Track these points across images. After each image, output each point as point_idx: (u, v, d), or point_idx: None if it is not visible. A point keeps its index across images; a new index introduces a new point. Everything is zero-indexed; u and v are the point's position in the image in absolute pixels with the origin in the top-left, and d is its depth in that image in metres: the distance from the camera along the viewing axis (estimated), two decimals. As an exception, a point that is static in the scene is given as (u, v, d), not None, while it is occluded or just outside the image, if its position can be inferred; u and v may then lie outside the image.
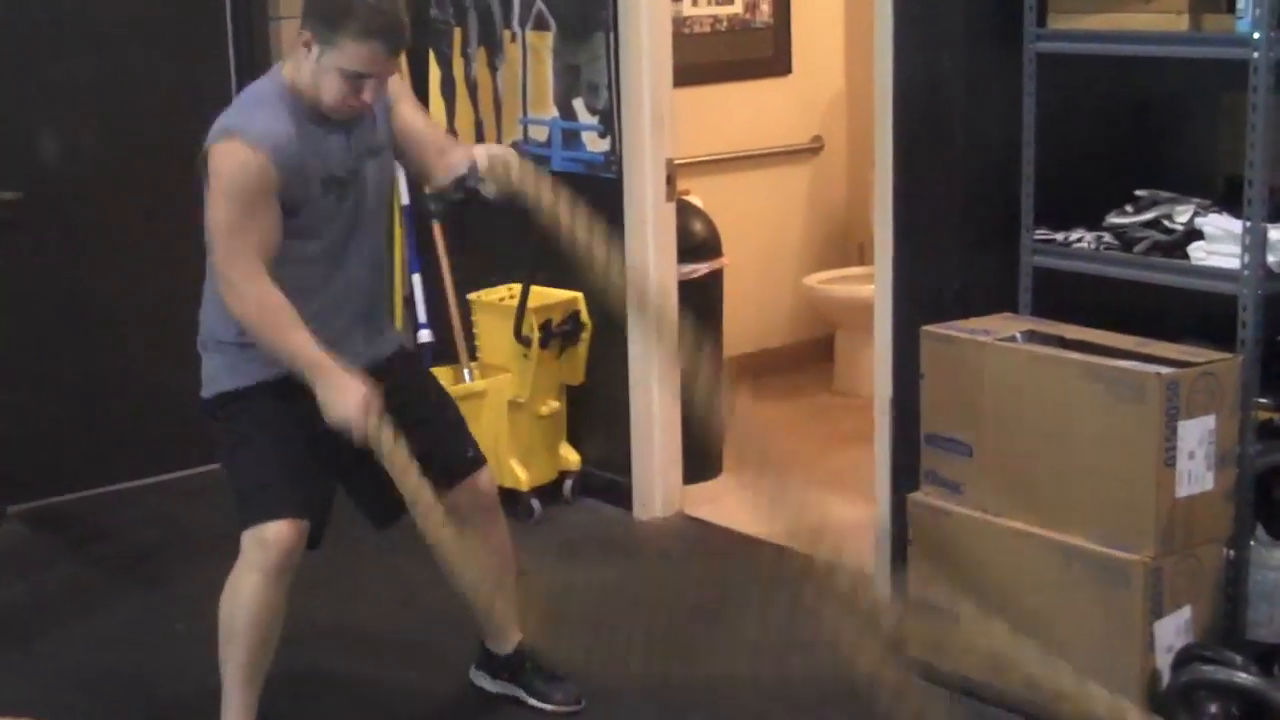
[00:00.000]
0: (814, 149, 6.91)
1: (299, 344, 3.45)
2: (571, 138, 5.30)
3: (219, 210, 3.45)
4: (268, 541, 3.53)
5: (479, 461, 3.86)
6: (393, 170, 3.88)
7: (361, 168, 3.62)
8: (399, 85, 3.78)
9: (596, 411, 5.46)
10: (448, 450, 3.79)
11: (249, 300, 3.46)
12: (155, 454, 5.68)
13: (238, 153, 3.42)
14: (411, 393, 3.75)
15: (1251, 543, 3.85)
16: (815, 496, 2.86)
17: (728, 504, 5.43)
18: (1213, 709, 3.59)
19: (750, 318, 6.53)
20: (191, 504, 5.47)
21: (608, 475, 5.43)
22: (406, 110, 3.75)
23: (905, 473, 4.34)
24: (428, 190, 3.80)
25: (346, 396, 3.43)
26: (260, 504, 3.56)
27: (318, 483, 3.65)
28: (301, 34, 3.49)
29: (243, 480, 3.63)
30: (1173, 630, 3.73)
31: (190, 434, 5.34)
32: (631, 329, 5.14)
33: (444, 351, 5.57)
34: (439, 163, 3.70)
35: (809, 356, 6.83)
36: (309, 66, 3.48)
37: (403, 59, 5.66)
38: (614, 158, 5.17)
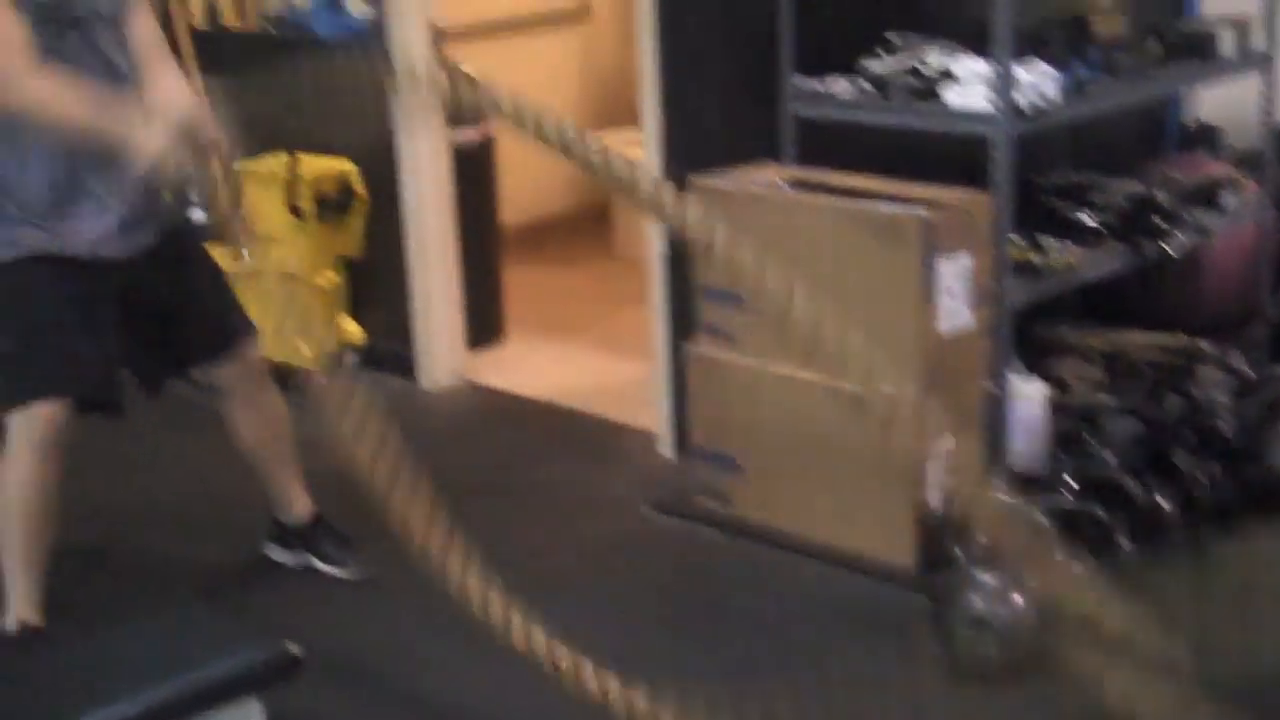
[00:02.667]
0: (581, 11, 6.89)
1: (88, 115, 3.35)
2: (336, 4, 5.22)
3: None
4: (32, 418, 3.49)
5: (248, 330, 3.83)
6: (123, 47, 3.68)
7: (79, 17, 3.50)
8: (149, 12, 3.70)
9: (377, 283, 5.44)
10: (211, 324, 3.76)
11: (29, 88, 3.34)
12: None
13: None
14: (172, 270, 3.68)
15: (1009, 376, 4.00)
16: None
17: (513, 370, 5.48)
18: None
19: (526, 186, 6.53)
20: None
21: (391, 347, 5.43)
22: (141, 21, 3.63)
23: (683, 327, 4.41)
24: None
25: (152, 137, 3.31)
26: (26, 380, 3.51)
27: (82, 356, 3.57)
28: None
29: (5, 356, 3.57)
30: (939, 464, 3.86)
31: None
32: (407, 187, 5.12)
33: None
34: (159, 95, 3.56)
35: (588, 222, 6.87)
36: None
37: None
38: (379, 24, 5.11)
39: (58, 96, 3.35)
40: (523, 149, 6.44)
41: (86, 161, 3.50)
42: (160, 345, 3.74)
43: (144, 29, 3.65)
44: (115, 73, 3.56)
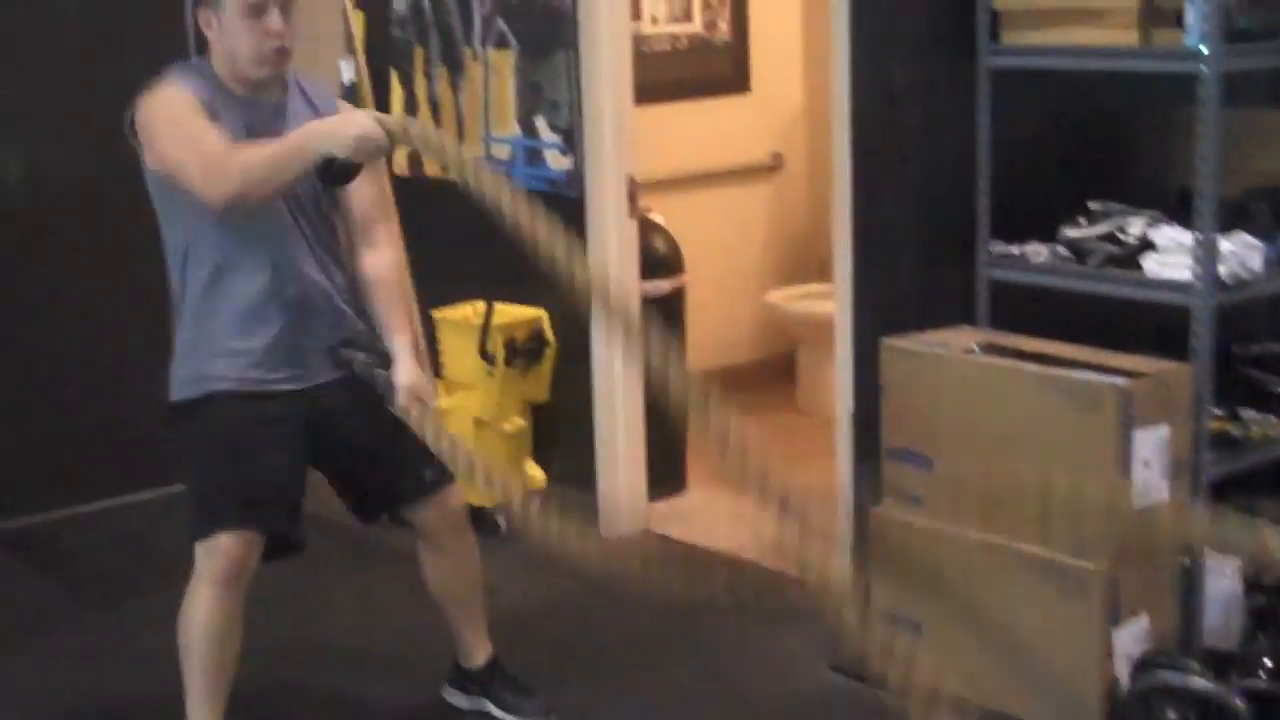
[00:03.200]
0: (774, 166, 6.95)
1: (286, 144, 3.42)
2: (534, 156, 5.34)
3: (162, 137, 3.47)
4: (216, 552, 3.55)
5: (445, 480, 3.86)
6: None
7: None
8: (342, 103, 3.83)
9: (561, 429, 5.48)
10: (411, 470, 3.80)
11: (233, 164, 3.39)
12: (122, 473, 5.68)
13: (167, 92, 3.51)
14: (369, 414, 3.73)
15: (1206, 551, 3.90)
16: (798, 502, 2.84)
17: (694, 521, 5.47)
18: (1171, 715, 3.63)
19: (713, 335, 6.56)
20: (157, 524, 5.47)
21: (573, 492, 5.45)
22: (365, 184, 3.69)
23: (868, 487, 4.37)
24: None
25: (353, 121, 3.38)
26: (208, 515, 3.58)
27: (270, 491, 3.64)
28: (200, 19, 3.57)
29: (194, 491, 3.67)
30: (1130, 638, 3.77)
31: (155, 453, 5.38)
32: (595, 338, 5.17)
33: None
34: (361, 251, 3.74)
35: (771, 373, 6.86)
36: (220, 40, 3.54)
37: (360, 70, 5.69)
38: (576, 175, 5.20)
39: (257, 157, 3.41)
40: (711, 299, 6.53)
41: (276, 302, 3.61)
42: (377, 474, 3.80)
43: (370, 190, 3.76)
44: (316, 208, 3.69)
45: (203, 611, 3.58)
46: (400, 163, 5.65)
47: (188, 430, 3.67)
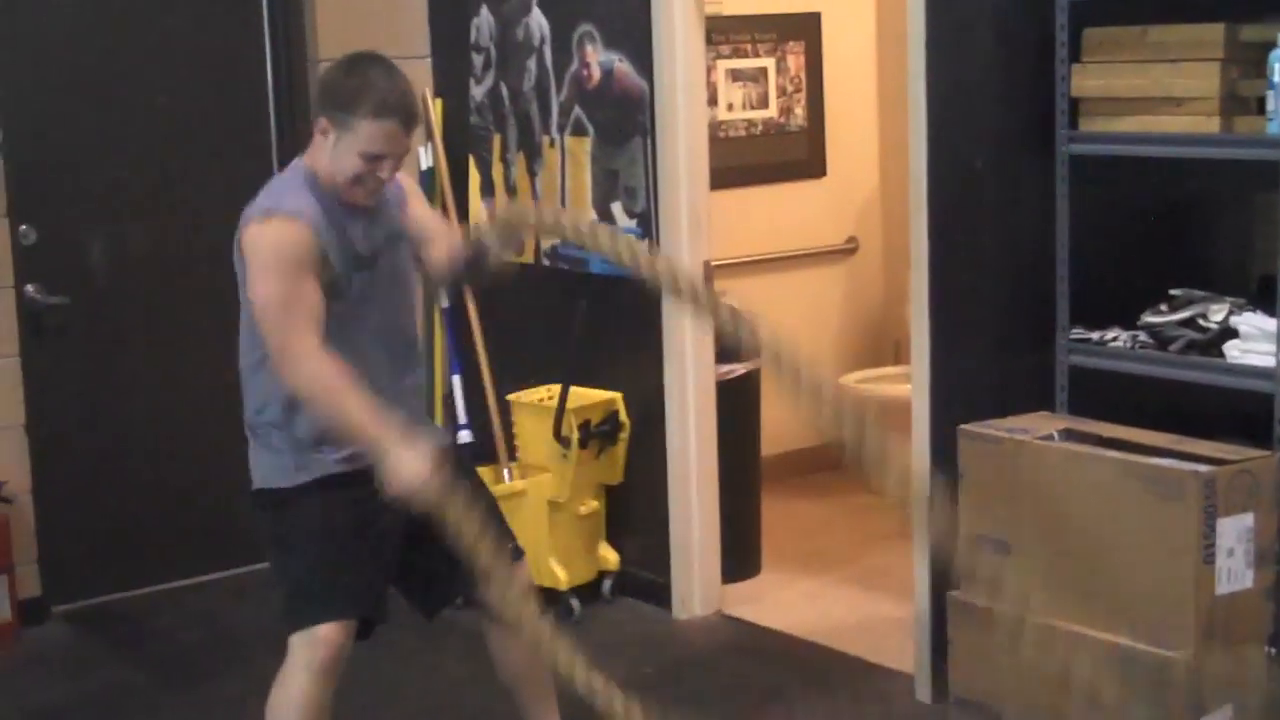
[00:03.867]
0: (849, 249, 6.97)
1: (359, 411, 3.45)
2: (610, 240, 5.36)
3: (266, 285, 3.48)
4: (317, 642, 3.55)
5: (517, 555, 3.87)
6: (409, 259, 3.87)
7: (382, 250, 3.68)
8: (410, 183, 3.89)
9: (635, 510, 5.48)
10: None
11: (307, 372, 3.45)
12: (198, 554, 5.73)
13: (277, 226, 3.50)
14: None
15: (1293, 641, 3.85)
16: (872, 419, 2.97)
17: (767, 603, 5.44)
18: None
19: (787, 417, 6.52)
20: (234, 604, 5.51)
21: (646, 575, 5.44)
22: (417, 206, 3.84)
23: (944, 571, 4.34)
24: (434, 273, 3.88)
25: (410, 464, 3.40)
26: (309, 605, 3.58)
27: (368, 577, 3.66)
28: (318, 122, 3.59)
29: (291, 582, 3.65)
30: (1215, 727, 3.72)
31: (232, 534, 5.44)
32: (670, 418, 5.18)
33: (484, 451, 5.61)
34: (443, 249, 3.79)
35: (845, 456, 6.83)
36: (328, 153, 3.57)
37: (438, 156, 5.76)
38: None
39: (332, 389, 3.45)
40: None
41: (374, 382, 3.63)
42: (439, 567, 3.79)
43: (426, 210, 3.87)
44: (401, 302, 3.74)
45: (298, 701, 3.57)
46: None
47: (281, 520, 3.68)
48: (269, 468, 3.69)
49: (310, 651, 3.55)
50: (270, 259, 3.49)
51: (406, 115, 3.55)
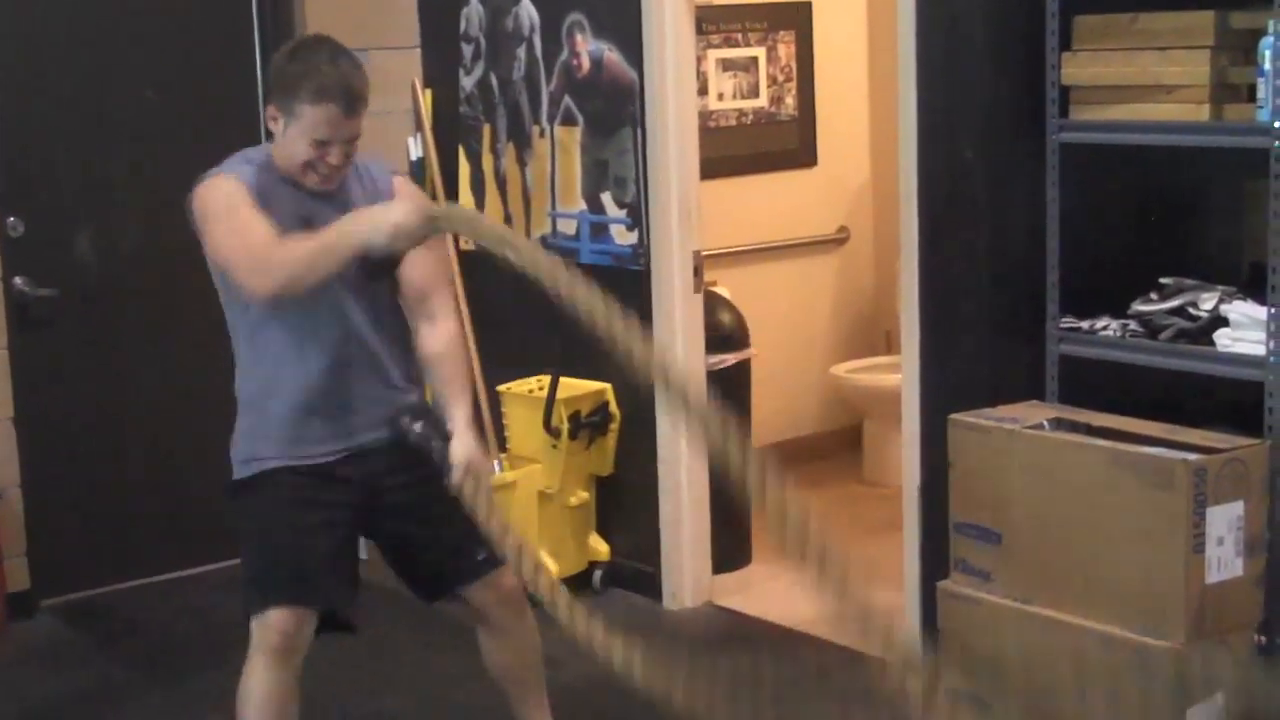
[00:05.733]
0: (840, 239, 6.96)
1: (321, 237, 3.45)
2: (600, 231, 5.36)
3: (218, 229, 3.52)
4: (268, 627, 3.56)
5: (497, 560, 3.75)
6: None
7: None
8: (406, 186, 3.85)
9: (625, 501, 5.48)
10: (466, 550, 3.78)
11: (276, 260, 3.44)
12: (186, 547, 5.72)
13: (215, 182, 3.56)
14: (421, 494, 3.72)
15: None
16: (858, 578, 2.82)
17: (758, 593, 5.44)
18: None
19: (778, 407, 6.55)
20: (222, 597, 5.47)
21: (636, 565, 5.44)
22: (422, 257, 3.68)
23: (934, 561, 4.34)
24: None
25: (390, 211, 3.43)
26: (260, 590, 3.60)
27: (314, 565, 3.65)
28: (269, 112, 3.61)
29: (247, 567, 3.69)
30: (1205, 718, 3.71)
31: (221, 527, 5.39)
32: (659, 411, 5.17)
33: (474, 443, 5.60)
34: (418, 324, 3.73)
35: (837, 446, 6.84)
36: (280, 140, 3.59)
37: (428, 147, 5.75)
38: (642, 250, 5.22)
39: (298, 251, 3.45)
40: (777, 372, 6.52)
41: (333, 382, 3.64)
42: (437, 556, 3.79)
43: (428, 261, 3.75)
44: (360, 305, 3.69)
45: (258, 685, 3.58)
46: (466, 239, 5.68)
47: (242, 507, 3.72)
48: (235, 458, 3.73)
49: (262, 635, 3.57)
50: (215, 206, 3.53)
51: (348, 99, 3.54)
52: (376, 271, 3.51)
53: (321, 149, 3.55)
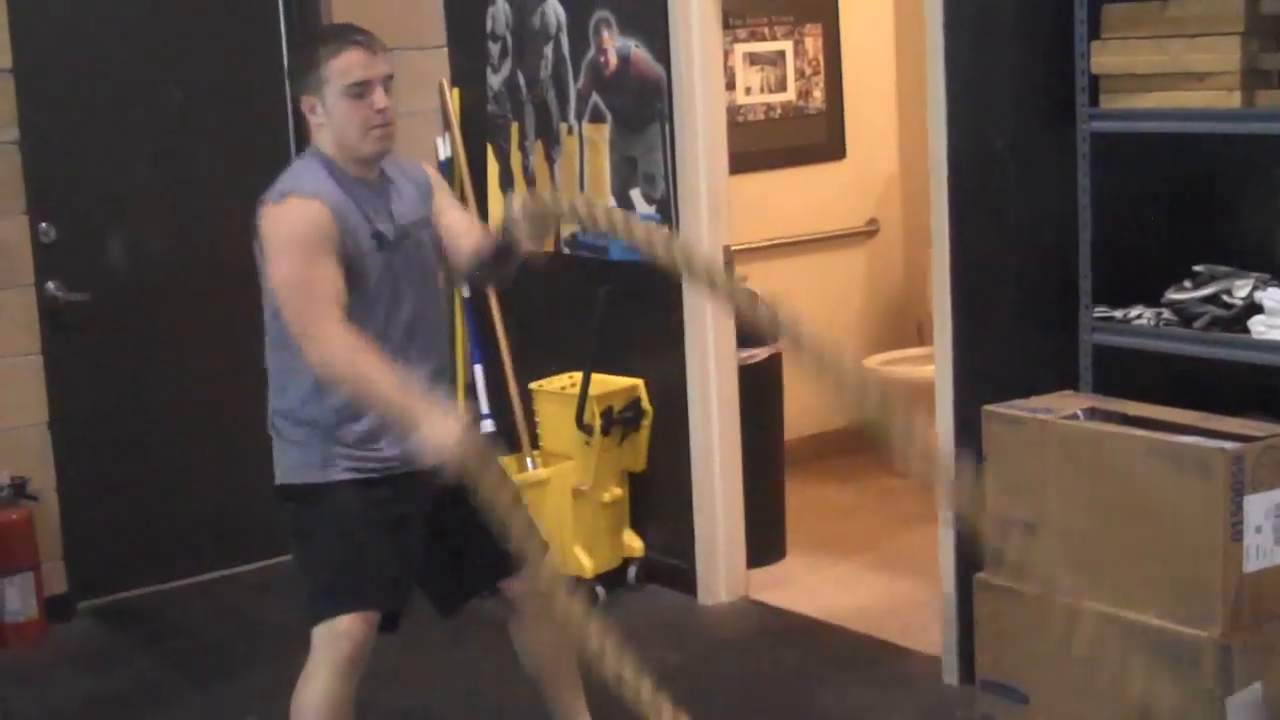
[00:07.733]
0: (870, 232, 6.95)
1: (387, 385, 3.41)
2: (629, 227, 5.35)
3: (284, 266, 3.46)
4: (339, 635, 3.54)
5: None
6: (432, 247, 3.82)
7: (404, 233, 3.66)
8: (436, 175, 3.89)
9: (659, 497, 5.48)
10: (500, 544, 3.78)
11: (331, 352, 3.42)
12: (223, 548, 5.74)
13: (294, 206, 3.49)
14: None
15: (1323, 617, 3.82)
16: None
17: (793, 588, 5.43)
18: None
19: (811, 401, 6.51)
20: (260, 597, 5.52)
21: (671, 561, 5.44)
22: (443, 199, 3.83)
23: (971, 552, 4.32)
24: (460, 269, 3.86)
25: (443, 429, 3.34)
26: (330, 599, 3.58)
27: (389, 570, 3.65)
28: (303, 104, 3.61)
29: (312, 575, 3.65)
30: (1245, 707, 3.69)
31: (258, 528, 5.44)
32: (693, 404, 5.17)
33: (506, 440, 5.61)
34: (469, 244, 3.77)
35: (869, 438, 6.81)
36: (327, 124, 3.58)
37: (456, 146, 5.75)
38: (672, 245, 5.21)
39: (358, 367, 3.42)
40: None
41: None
42: (459, 565, 3.79)
43: (453, 203, 3.86)
44: (427, 282, 3.72)
45: (322, 693, 3.56)
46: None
47: (305, 515, 3.67)
48: (293, 462, 3.68)
49: (332, 644, 3.55)
50: (287, 240, 3.48)
51: (363, 36, 3.58)
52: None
53: (364, 98, 3.53)
